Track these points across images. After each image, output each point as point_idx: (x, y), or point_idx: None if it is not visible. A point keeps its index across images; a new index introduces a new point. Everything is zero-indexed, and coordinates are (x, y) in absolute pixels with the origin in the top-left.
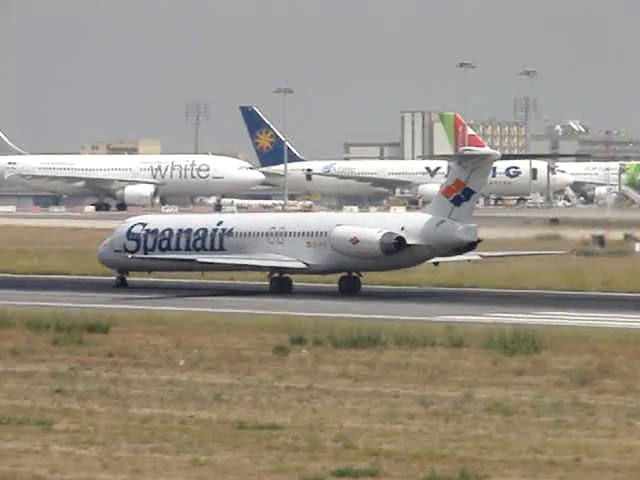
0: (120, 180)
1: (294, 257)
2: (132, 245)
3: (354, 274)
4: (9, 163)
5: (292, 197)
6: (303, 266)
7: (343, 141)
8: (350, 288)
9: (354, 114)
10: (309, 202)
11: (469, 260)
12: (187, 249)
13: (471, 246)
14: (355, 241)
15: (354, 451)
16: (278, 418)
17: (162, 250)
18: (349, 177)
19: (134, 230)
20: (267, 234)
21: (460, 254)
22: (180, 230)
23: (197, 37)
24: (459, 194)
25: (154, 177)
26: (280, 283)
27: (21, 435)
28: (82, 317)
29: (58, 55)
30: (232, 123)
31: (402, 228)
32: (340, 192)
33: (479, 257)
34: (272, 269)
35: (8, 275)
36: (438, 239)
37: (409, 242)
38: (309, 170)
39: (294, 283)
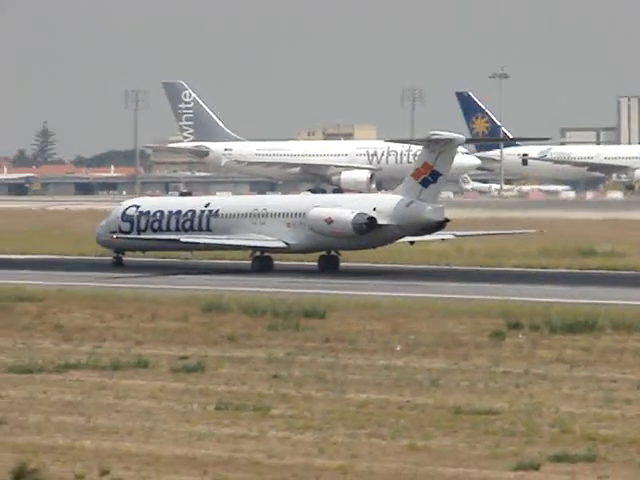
0: (336, 166)
1: (275, 237)
2: (126, 226)
3: (332, 253)
4: (225, 149)
5: (508, 182)
6: (283, 245)
7: (559, 126)
8: (329, 266)
9: (569, 98)
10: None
11: (443, 239)
12: (177, 230)
13: (439, 225)
14: (330, 221)
15: (571, 436)
16: (495, 403)
17: (154, 231)
18: (565, 162)
19: (128, 212)
20: (250, 215)
21: (429, 233)
22: (170, 212)
23: (413, 23)
24: (427, 176)
25: (370, 162)
26: (261, 262)
27: (239, 420)
28: (298, 303)
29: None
30: (447, 108)
31: (374, 209)
32: (556, 177)
33: (453, 236)
34: (253, 248)
35: (220, 261)
36: (408, 219)
37: (380, 222)
38: (525, 155)
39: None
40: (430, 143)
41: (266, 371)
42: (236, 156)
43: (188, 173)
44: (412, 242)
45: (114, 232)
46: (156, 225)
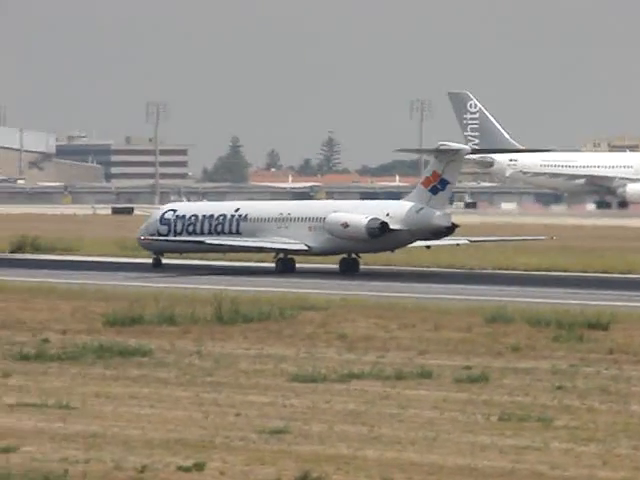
0: (621, 178)
1: (298, 240)
2: (164, 229)
3: (353, 255)
4: (510, 160)
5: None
6: (305, 248)
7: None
8: (349, 268)
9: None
10: None
11: (458, 244)
12: (210, 233)
13: (448, 230)
14: (346, 226)
15: None
16: None
17: (189, 234)
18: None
19: (166, 216)
20: (276, 219)
21: (439, 238)
22: (204, 216)
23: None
24: (436, 184)
25: None
26: (284, 264)
27: (522, 431)
28: (582, 314)
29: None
30: None
31: (387, 214)
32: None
33: (467, 242)
34: (276, 250)
35: (507, 272)
36: (418, 224)
37: (392, 227)
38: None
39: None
40: (439, 153)
41: (550, 382)
42: (521, 167)
43: (473, 183)
44: (429, 247)
45: (152, 234)
46: (191, 228)
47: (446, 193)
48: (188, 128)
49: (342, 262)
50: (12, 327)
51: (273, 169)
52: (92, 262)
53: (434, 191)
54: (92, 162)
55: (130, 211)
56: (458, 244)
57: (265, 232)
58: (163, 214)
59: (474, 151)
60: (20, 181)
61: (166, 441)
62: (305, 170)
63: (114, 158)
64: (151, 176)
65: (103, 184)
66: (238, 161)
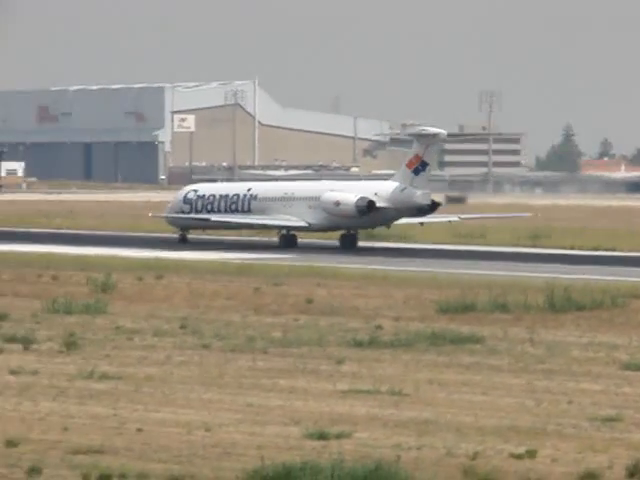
0: None
1: (299, 217)
2: (186, 208)
3: (352, 232)
4: None
5: None
6: (305, 225)
7: None
8: (349, 244)
9: None
10: None
11: (450, 221)
12: (225, 211)
13: (431, 208)
14: (338, 204)
15: None
16: None
17: (207, 212)
18: None
19: (188, 195)
20: (281, 199)
21: (422, 215)
22: (220, 195)
23: None
24: (418, 166)
25: None
26: (287, 239)
27: None
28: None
29: None
30: None
31: (375, 194)
32: None
33: (458, 219)
34: (279, 227)
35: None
36: (402, 202)
37: (379, 205)
38: None
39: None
40: (420, 137)
41: None
42: None
43: None
44: (422, 223)
45: (176, 213)
46: (209, 207)
47: (426, 174)
48: (520, 116)
49: (342, 238)
50: (346, 314)
51: (605, 158)
52: (428, 250)
53: (416, 172)
54: None
55: (463, 200)
56: (450, 221)
57: (272, 210)
58: (186, 194)
59: (450, 135)
60: (354, 169)
61: (498, 428)
62: (639, 159)
63: (447, 146)
64: (484, 164)
65: (436, 172)
66: (571, 150)
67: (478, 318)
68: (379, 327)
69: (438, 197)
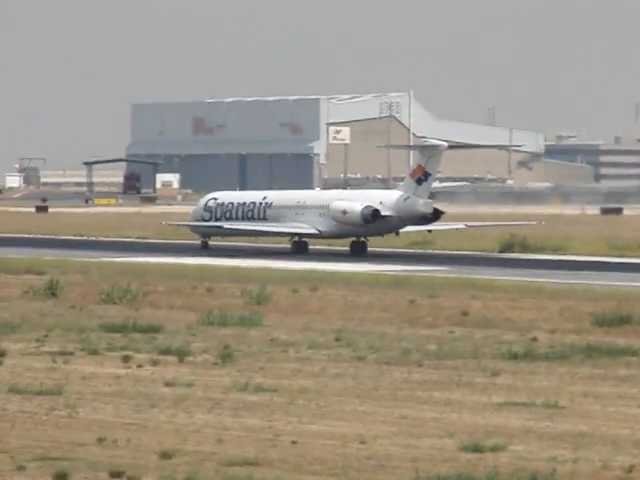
0: None
1: (310, 225)
2: (207, 215)
3: (362, 239)
4: None
5: None
6: (316, 232)
7: None
8: (359, 250)
9: None
10: None
11: (457, 229)
12: (242, 218)
13: (434, 216)
14: (345, 212)
15: None
16: None
17: (226, 219)
18: None
19: (209, 203)
20: (294, 207)
21: (426, 224)
22: (238, 203)
23: None
24: (420, 176)
25: None
26: (298, 246)
27: None
28: None
29: None
30: None
31: (380, 202)
32: None
33: (464, 226)
34: (290, 234)
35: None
36: (405, 211)
37: (383, 213)
38: None
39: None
40: (423, 148)
41: None
42: None
43: None
44: (430, 231)
45: (197, 220)
46: (228, 214)
47: (428, 184)
48: None
49: (352, 245)
50: (501, 326)
51: None
52: (581, 262)
53: (419, 182)
54: (581, 162)
55: (619, 211)
56: (457, 228)
57: (285, 218)
58: (207, 202)
59: (450, 147)
60: (509, 181)
61: None
62: None
63: (603, 158)
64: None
65: (592, 185)
66: None
67: (635, 331)
68: (534, 339)
69: (593, 209)
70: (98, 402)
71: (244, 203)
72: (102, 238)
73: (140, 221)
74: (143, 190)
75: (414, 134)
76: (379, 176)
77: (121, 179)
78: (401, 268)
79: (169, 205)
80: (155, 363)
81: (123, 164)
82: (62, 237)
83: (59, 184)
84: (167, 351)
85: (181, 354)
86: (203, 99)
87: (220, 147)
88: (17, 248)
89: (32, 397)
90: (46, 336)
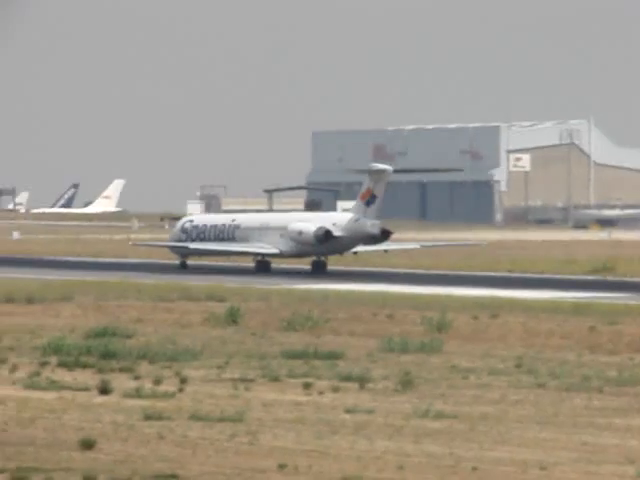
0: None
1: (272, 245)
2: (183, 236)
3: (322, 258)
4: None
5: None
6: (277, 252)
7: None
8: (319, 269)
9: None
10: None
11: (412, 248)
12: (215, 239)
13: (383, 236)
14: (300, 233)
15: None
16: None
17: (200, 240)
18: None
19: (185, 225)
20: (258, 228)
21: (375, 244)
22: (211, 225)
23: None
24: (369, 198)
25: None
26: (261, 265)
27: None
28: None
29: None
30: None
31: (334, 224)
32: None
33: (419, 246)
34: (252, 254)
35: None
36: (355, 232)
37: (335, 234)
38: None
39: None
40: (371, 173)
41: None
42: None
43: None
44: (386, 250)
45: (175, 241)
46: (201, 235)
47: (376, 206)
48: None
49: (313, 264)
50: None
51: None
52: None
53: (368, 204)
54: None
55: None
56: (412, 248)
57: (251, 238)
58: (183, 224)
59: (396, 171)
60: None
61: None
62: None
63: None
64: None
65: None
66: None
67: None
68: None
69: None
70: (279, 429)
71: (216, 225)
72: (282, 265)
73: None
74: None
75: (595, 161)
76: (559, 204)
77: (301, 207)
78: (582, 295)
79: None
80: (336, 390)
81: (303, 192)
82: (243, 265)
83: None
84: (348, 378)
85: (362, 381)
86: (383, 126)
87: (400, 175)
88: (197, 275)
89: (213, 424)
90: (227, 363)
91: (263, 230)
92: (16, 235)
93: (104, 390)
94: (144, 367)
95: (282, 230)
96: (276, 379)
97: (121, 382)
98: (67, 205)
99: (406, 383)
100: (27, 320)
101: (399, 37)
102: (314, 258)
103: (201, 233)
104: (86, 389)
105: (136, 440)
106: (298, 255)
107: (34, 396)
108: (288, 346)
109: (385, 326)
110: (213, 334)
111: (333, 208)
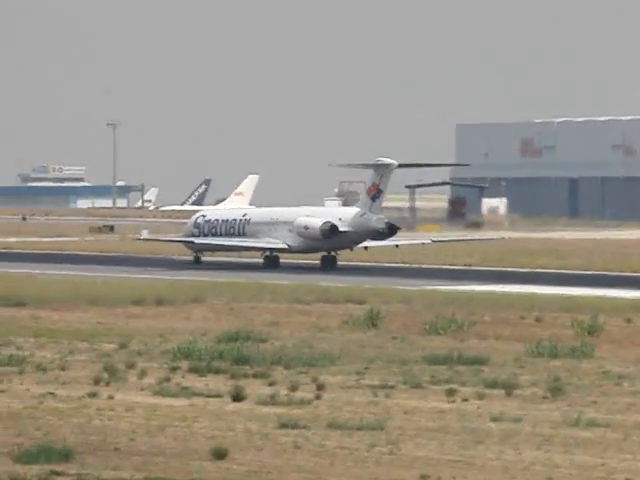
0: None
1: (281, 240)
2: (196, 231)
3: (332, 253)
4: None
5: None
6: (285, 247)
7: None
8: (329, 264)
9: None
10: None
11: (423, 243)
12: (226, 234)
13: (389, 231)
14: (306, 228)
15: None
16: None
17: (212, 235)
18: None
19: (198, 220)
20: (268, 223)
21: (381, 239)
22: (222, 220)
23: None
24: (375, 193)
25: None
26: (270, 260)
27: None
28: None
29: None
30: None
31: (340, 219)
32: None
33: (430, 241)
34: (260, 249)
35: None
36: (360, 227)
37: (341, 229)
38: None
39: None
40: (377, 167)
41: None
42: None
43: None
44: (397, 245)
45: (188, 236)
46: (213, 231)
47: (381, 200)
48: None
49: (323, 259)
50: None
51: None
52: None
53: (373, 199)
54: None
55: None
56: (423, 243)
57: (261, 233)
58: (196, 219)
59: (400, 165)
60: None
61: None
62: None
63: None
64: None
65: None
66: None
67: None
68: None
69: None
70: (421, 438)
71: (227, 220)
72: (425, 265)
73: (465, 248)
74: (469, 215)
75: None
76: None
77: (445, 204)
78: None
79: (496, 231)
80: (481, 397)
81: (446, 188)
82: (383, 264)
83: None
84: (494, 384)
85: (508, 387)
86: (530, 119)
87: (549, 170)
88: (337, 276)
89: (352, 433)
90: (366, 368)
91: (272, 225)
92: (145, 234)
93: (237, 397)
94: (279, 373)
95: (290, 225)
96: (418, 385)
97: (255, 388)
98: (198, 202)
99: (555, 390)
100: (156, 323)
101: (548, 26)
102: (324, 253)
103: (213, 228)
104: (218, 396)
105: (271, 450)
106: (306, 250)
107: (164, 403)
108: (430, 350)
109: (533, 329)
110: (352, 338)
111: (478, 205)
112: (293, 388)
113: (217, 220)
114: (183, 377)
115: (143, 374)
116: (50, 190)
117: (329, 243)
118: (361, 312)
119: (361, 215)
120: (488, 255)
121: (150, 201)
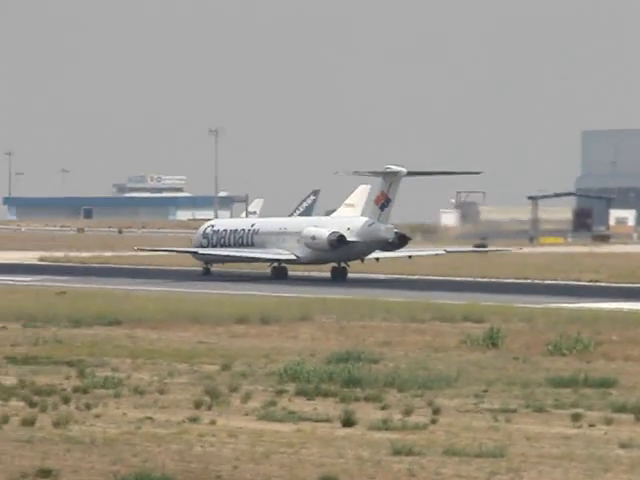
0: None
1: (289, 251)
2: (204, 242)
3: (342, 264)
4: None
5: None
6: (294, 258)
7: None
8: (339, 276)
9: None
10: None
11: (436, 254)
12: (234, 245)
13: (401, 242)
14: (314, 238)
15: None
16: None
17: (221, 245)
18: None
19: (207, 231)
20: (276, 233)
21: (392, 249)
22: (231, 230)
23: None
24: (384, 202)
25: None
26: (277, 271)
27: None
28: None
29: None
30: None
31: (348, 229)
32: None
33: (444, 252)
34: (267, 260)
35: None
36: (369, 237)
37: (349, 239)
38: None
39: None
40: (386, 175)
41: None
42: None
43: None
44: (410, 256)
45: (196, 246)
46: (222, 241)
47: (389, 209)
48: None
49: (333, 270)
50: None
51: None
52: None
53: (382, 208)
54: None
55: None
56: (437, 254)
57: (269, 244)
58: (205, 229)
59: (409, 173)
60: None
61: None
62: None
63: None
64: None
65: None
66: None
67: None
68: None
69: None
70: (544, 465)
71: (235, 230)
72: (548, 281)
73: (592, 262)
74: (595, 227)
75: None
76: None
77: (569, 215)
78: None
79: (624, 244)
80: (609, 422)
81: (571, 199)
82: (503, 280)
83: (499, 221)
84: (622, 408)
85: (638, 412)
86: None
87: None
88: (454, 293)
89: (470, 460)
90: (486, 391)
91: (281, 235)
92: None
93: (348, 421)
94: (392, 396)
95: (298, 235)
96: (541, 409)
97: (367, 412)
98: (307, 213)
99: None
100: (261, 343)
101: None
102: (334, 264)
103: (221, 238)
104: (327, 420)
105: (384, 477)
106: (315, 262)
107: (269, 428)
108: (554, 372)
109: None
110: (470, 358)
111: (605, 216)
112: (407, 412)
113: (225, 231)
114: (290, 400)
115: (247, 397)
116: (148, 201)
117: (337, 254)
118: (480, 331)
119: (369, 225)
120: (616, 270)
121: (255, 213)
